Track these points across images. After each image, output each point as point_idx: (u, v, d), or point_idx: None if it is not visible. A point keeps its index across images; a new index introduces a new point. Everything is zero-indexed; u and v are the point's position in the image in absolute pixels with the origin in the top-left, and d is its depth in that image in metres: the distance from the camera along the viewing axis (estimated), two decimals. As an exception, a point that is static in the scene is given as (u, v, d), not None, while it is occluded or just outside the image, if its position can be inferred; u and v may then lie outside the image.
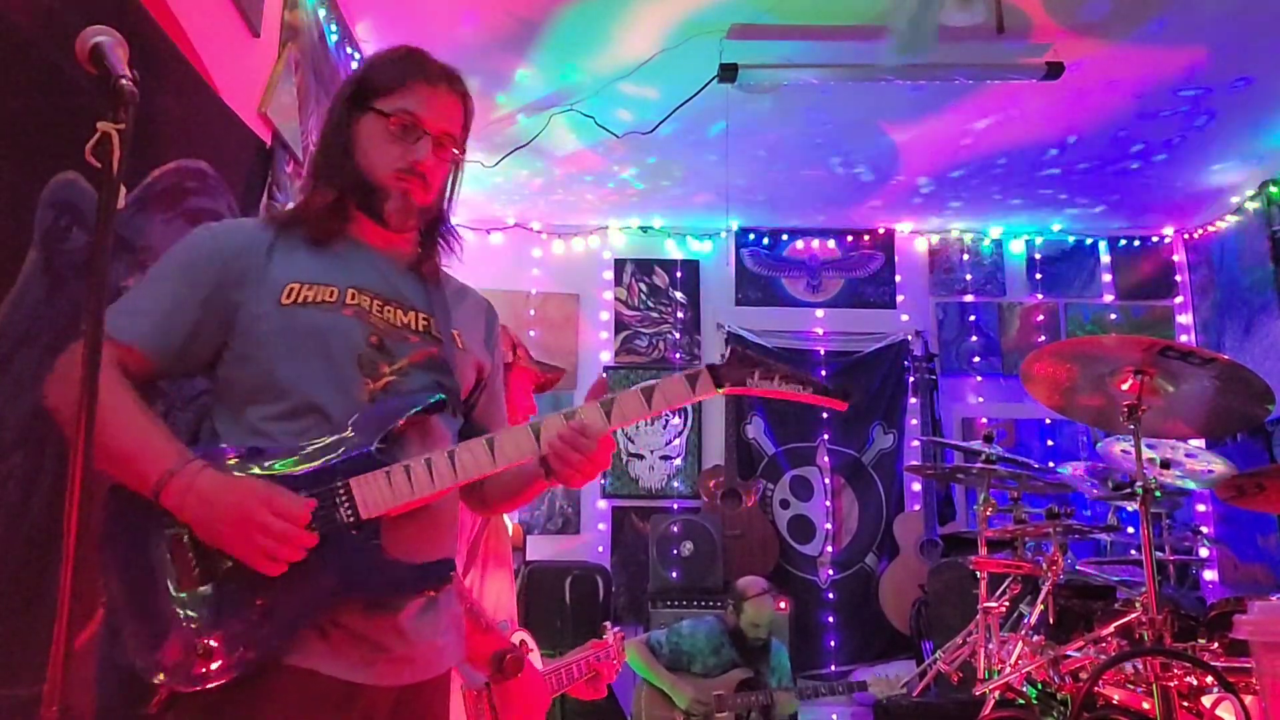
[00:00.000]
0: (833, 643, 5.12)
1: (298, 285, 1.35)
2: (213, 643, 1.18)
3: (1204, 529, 4.82)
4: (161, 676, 1.18)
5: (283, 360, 1.31)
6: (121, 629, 1.20)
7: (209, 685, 1.17)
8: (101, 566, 1.21)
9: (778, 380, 1.42)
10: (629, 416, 1.39)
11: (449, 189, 1.51)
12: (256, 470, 1.26)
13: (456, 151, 1.47)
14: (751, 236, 5.60)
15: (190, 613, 1.20)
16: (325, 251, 1.40)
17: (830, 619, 5.16)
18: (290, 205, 1.51)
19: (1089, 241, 5.59)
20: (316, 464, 1.27)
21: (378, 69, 1.46)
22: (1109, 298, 5.56)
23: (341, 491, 1.26)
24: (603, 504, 5.29)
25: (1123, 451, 3.50)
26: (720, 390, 1.41)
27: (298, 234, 1.40)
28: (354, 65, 3.45)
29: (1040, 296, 5.56)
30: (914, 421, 5.34)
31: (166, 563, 1.22)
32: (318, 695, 1.23)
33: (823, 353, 5.46)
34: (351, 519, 1.26)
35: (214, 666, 1.18)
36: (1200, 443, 3.72)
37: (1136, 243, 5.59)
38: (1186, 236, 5.53)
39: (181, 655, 1.18)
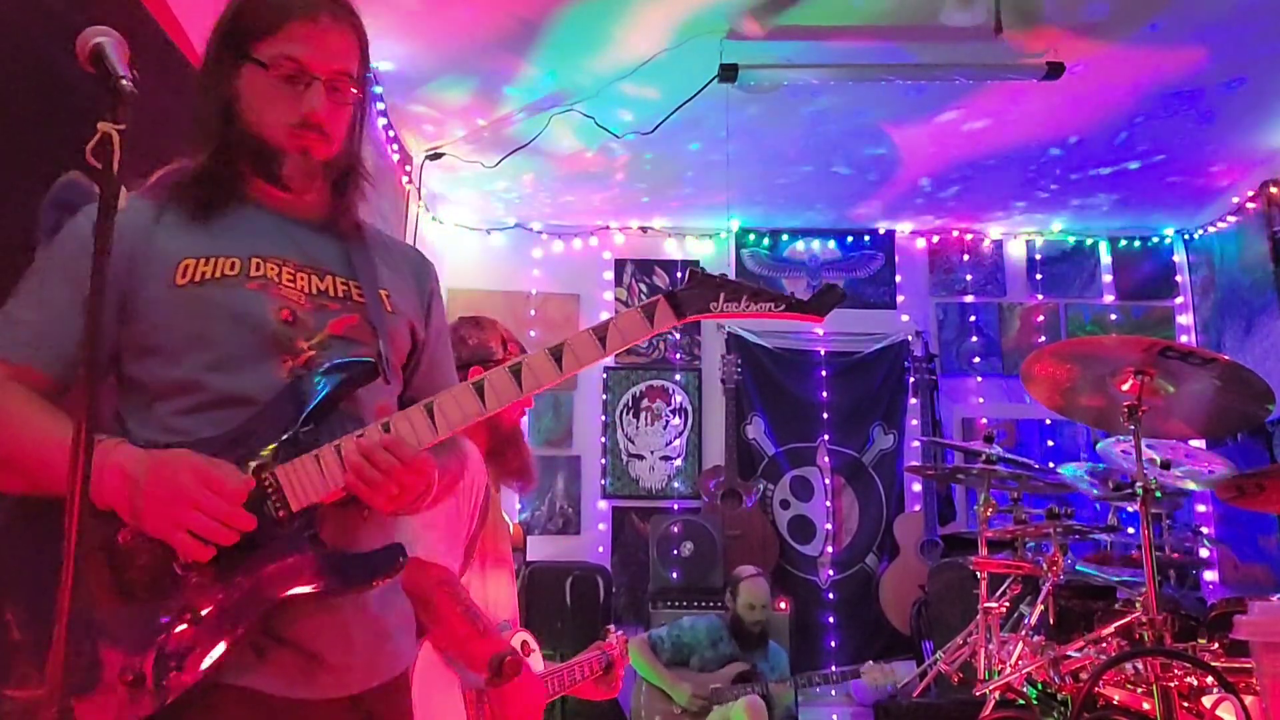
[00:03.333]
0: (833, 643, 5.12)
1: (192, 261, 1.19)
2: (140, 668, 1.05)
3: (1204, 529, 4.82)
4: (84, 712, 1.04)
5: (187, 349, 1.17)
6: (29, 662, 1.04)
7: (140, 717, 1.05)
8: (16, 600, 1.08)
9: (745, 301, 1.28)
10: (583, 360, 1.24)
11: (356, 130, 1.33)
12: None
13: (355, 91, 1.29)
14: (751, 236, 5.60)
15: (111, 634, 1.06)
16: (219, 219, 1.24)
17: (830, 619, 5.16)
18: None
19: (1089, 242, 5.59)
20: (234, 454, 1.13)
21: (248, 8, 1.26)
22: (1109, 298, 5.56)
23: (267, 481, 1.13)
24: (603, 504, 5.30)
25: (1123, 452, 3.50)
26: (682, 319, 1.26)
27: (185, 204, 1.24)
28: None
29: (1040, 297, 5.55)
30: (914, 422, 5.35)
31: (86, 583, 1.06)
32: (258, 714, 1.12)
33: (823, 353, 5.46)
34: (281, 511, 1.13)
35: (143, 695, 1.05)
36: (1200, 443, 3.72)
37: (1136, 243, 5.58)
38: (1186, 236, 5.53)
39: (106, 685, 1.04)
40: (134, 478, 1.08)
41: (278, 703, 1.14)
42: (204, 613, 1.09)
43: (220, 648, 1.09)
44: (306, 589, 1.14)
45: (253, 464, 1.14)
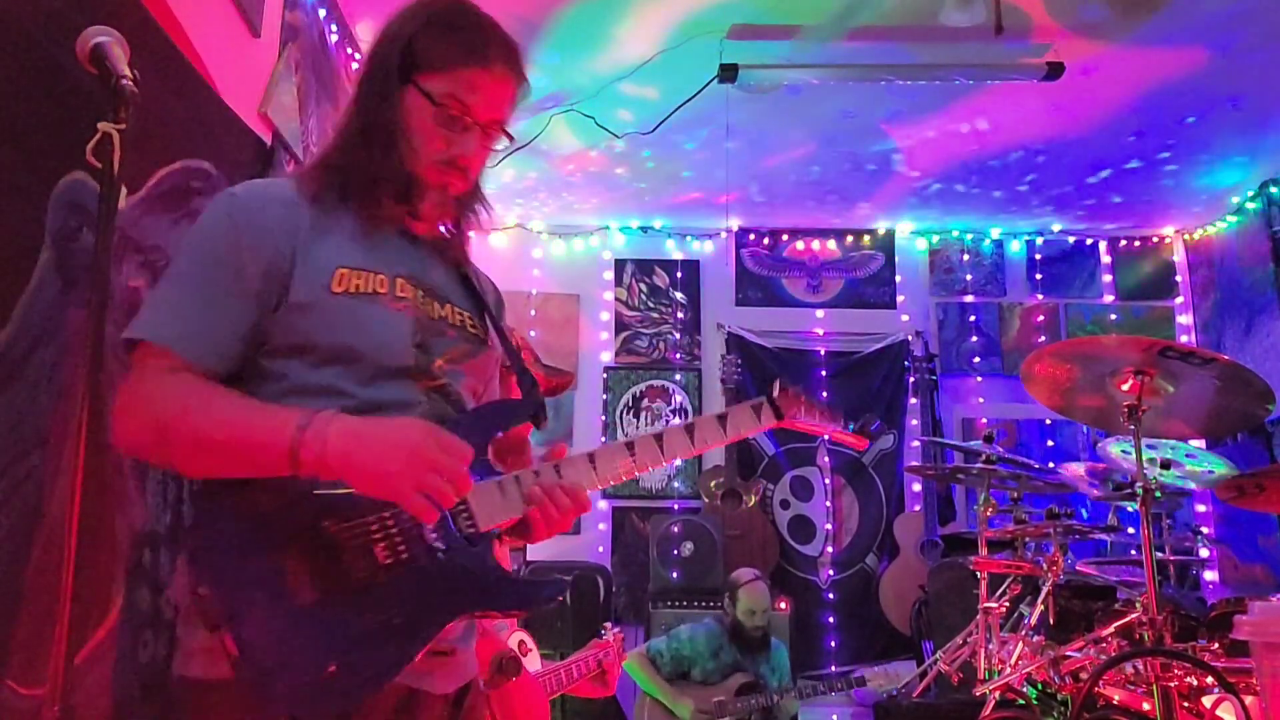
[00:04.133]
0: (833, 643, 5.12)
1: (347, 271, 1.21)
2: (335, 668, 1.06)
3: (1204, 529, 4.82)
4: (284, 703, 1.05)
5: (335, 355, 1.19)
6: (236, 653, 1.05)
7: (343, 708, 1.07)
8: (217, 581, 1.08)
9: (818, 416, 1.56)
10: (710, 440, 1.43)
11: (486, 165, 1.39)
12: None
13: (504, 136, 1.33)
14: (751, 236, 5.60)
15: (319, 628, 1.07)
16: (365, 233, 1.27)
17: (830, 619, 5.16)
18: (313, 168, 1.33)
19: (1089, 241, 5.59)
20: None
21: (428, 39, 1.27)
22: (1109, 298, 5.56)
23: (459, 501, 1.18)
24: (603, 504, 5.29)
25: (1123, 452, 3.50)
26: (779, 422, 1.49)
27: (334, 208, 1.26)
28: (354, 65, 3.45)
29: (1040, 297, 5.56)
30: (914, 422, 5.34)
31: (284, 576, 1.08)
32: (389, 703, 1.16)
33: (823, 353, 5.46)
34: (471, 530, 1.18)
35: (336, 694, 1.06)
36: (1200, 443, 3.72)
37: (1136, 243, 5.59)
38: (1186, 237, 5.53)
39: (305, 681, 1.05)
40: (364, 438, 1.08)
41: (405, 691, 1.18)
42: (397, 619, 1.11)
43: (406, 655, 1.11)
44: (487, 607, 1.22)
45: None
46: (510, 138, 1.34)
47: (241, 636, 1.05)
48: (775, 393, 1.50)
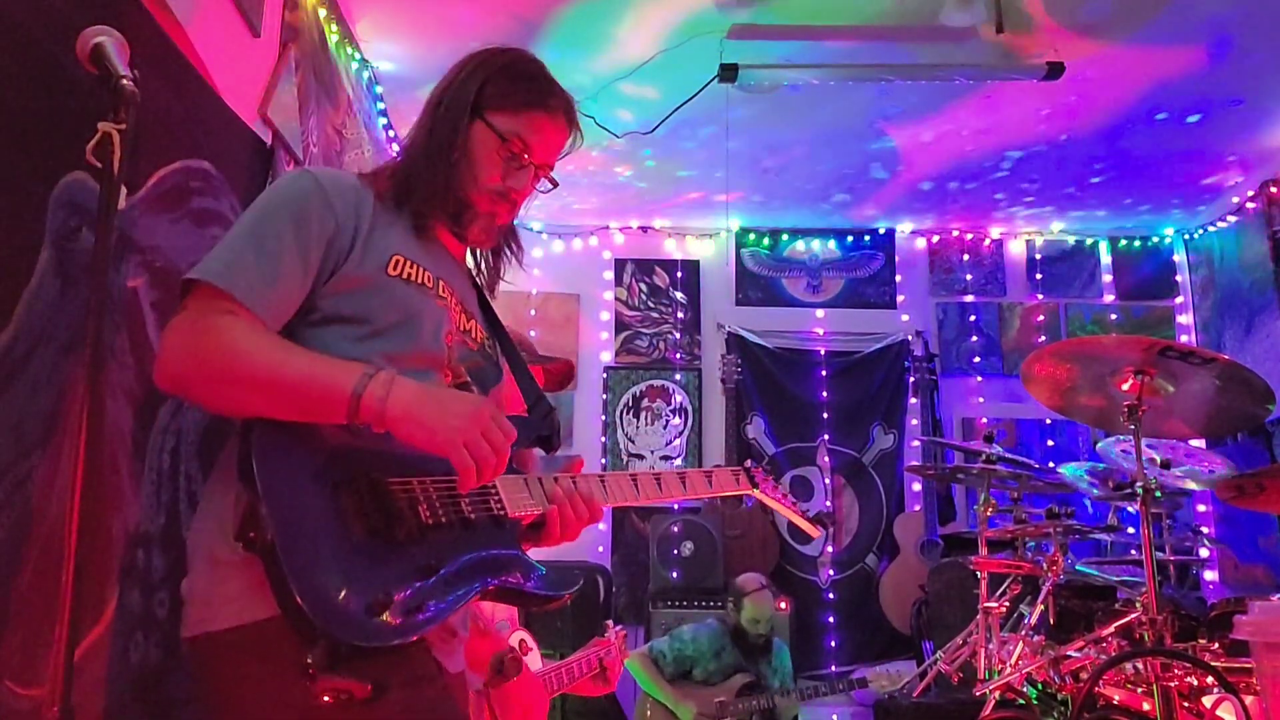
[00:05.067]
0: (833, 643, 5.12)
1: (402, 259, 1.31)
2: (390, 595, 1.10)
3: (1204, 529, 4.82)
4: (336, 625, 1.05)
5: (381, 331, 1.27)
6: (289, 576, 1.04)
7: (385, 642, 1.08)
8: (274, 505, 1.08)
9: (782, 495, 1.78)
10: (697, 490, 1.63)
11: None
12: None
13: (549, 180, 1.47)
14: (751, 236, 5.60)
15: (365, 563, 1.11)
16: (418, 235, 1.38)
17: (830, 619, 5.16)
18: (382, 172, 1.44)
19: (1089, 241, 5.59)
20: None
21: (501, 81, 1.40)
22: (1109, 298, 5.56)
23: (490, 484, 1.28)
24: (603, 504, 5.28)
25: (1123, 452, 3.49)
26: (753, 489, 1.71)
27: (392, 209, 1.37)
28: (354, 65, 3.45)
29: (1040, 297, 5.56)
30: (914, 421, 5.34)
31: (339, 508, 1.13)
32: (426, 666, 1.22)
33: (823, 353, 5.46)
34: (501, 511, 1.28)
35: (389, 620, 1.09)
36: (1200, 443, 3.72)
37: (1136, 243, 5.59)
38: (1186, 236, 5.53)
39: (359, 605, 1.07)
40: (426, 395, 1.16)
41: (448, 676, 1.28)
42: (443, 566, 1.18)
43: (450, 603, 1.17)
44: (518, 586, 1.29)
45: None
46: (554, 184, 1.46)
47: (293, 555, 1.05)
48: (751, 467, 1.75)
